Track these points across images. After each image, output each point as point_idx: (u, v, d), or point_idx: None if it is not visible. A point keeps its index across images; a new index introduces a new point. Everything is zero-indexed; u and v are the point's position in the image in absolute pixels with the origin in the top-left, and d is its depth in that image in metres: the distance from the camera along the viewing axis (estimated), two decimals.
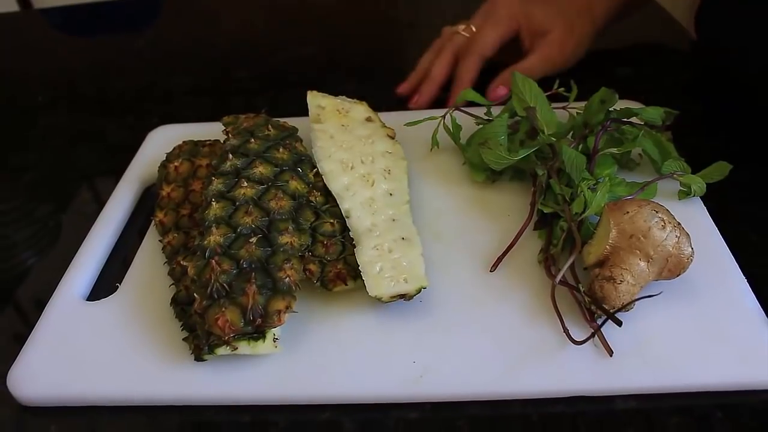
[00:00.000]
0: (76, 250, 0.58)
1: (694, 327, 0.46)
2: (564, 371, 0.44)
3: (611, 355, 0.44)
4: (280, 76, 0.89)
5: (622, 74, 0.80)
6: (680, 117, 0.60)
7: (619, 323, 0.44)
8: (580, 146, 0.57)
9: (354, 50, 0.95)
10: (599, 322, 0.45)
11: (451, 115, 0.63)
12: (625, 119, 0.58)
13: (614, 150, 0.56)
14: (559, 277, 0.47)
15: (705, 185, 0.56)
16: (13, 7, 1.68)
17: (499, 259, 0.52)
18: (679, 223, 0.47)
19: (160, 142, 0.69)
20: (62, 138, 0.81)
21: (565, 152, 0.54)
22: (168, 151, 0.63)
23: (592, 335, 0.45)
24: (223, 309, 0.45)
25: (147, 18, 1.14)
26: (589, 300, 0.46)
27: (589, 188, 0.52)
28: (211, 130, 0.66)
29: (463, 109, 0.64)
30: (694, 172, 0.57)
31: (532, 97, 0.60)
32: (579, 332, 0.46)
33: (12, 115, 0.88)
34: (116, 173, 0.67)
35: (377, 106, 0.67)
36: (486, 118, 0.63)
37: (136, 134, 0.73)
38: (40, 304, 0.54)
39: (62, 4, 1.18)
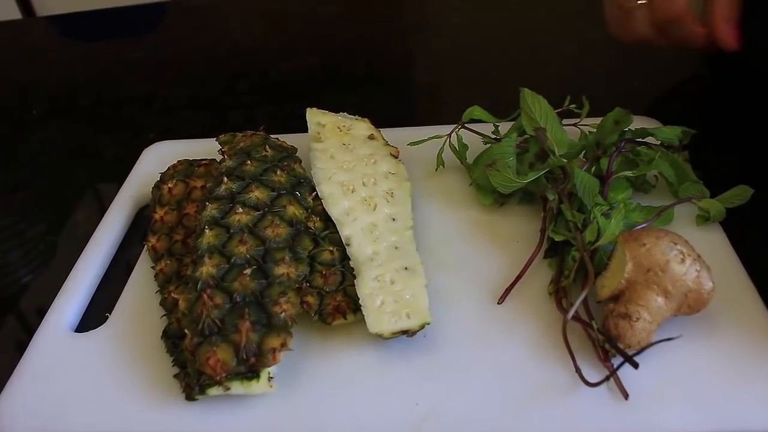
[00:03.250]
0: (67, 274, 0.56)
1: (715, 366, 0.43)
2: (576, 414, 0.42)
3: (626, 398, 0.42)
4: (280, 88, 0.86)
5: (635, 88, 0.77)
6: (696, 134, 0.58)
7: (636, 366, 0.41)
8: (593, 168, 0.54)
9: (357, 61, 0.93)
10: (614, 361, 0.43)
11: (457, 134, 0.61)
12: (640, 139, 0.55)
13: (629, 173, 0.53)
14: (571, 313, 0.44)
15: (725, 210, 0.53)
16: (16, 14, 1.67)
17: (507, 291, 0.49)
18: (699, 256, 0.44)
19: (156, 159, 0.67)
20: (58, 153, 0.79)
21: (578, 175, 0.51)
22: (162, 171, 0.61)
23: (607, 378, 0.42)
24: (215, 347, 0.43)
25: (150, 26, 1.12)
26: (602, 338, 0.44)
27: (602, 214, 0.50)
28: (207, 147, 0.64)
29: (469, 127, 0.61)
30: (712, 195, 0.54)
31: (542, 115, 0.57)
32: (592, 371, 0.43)
33: (6, 128, 0.85)
34: (112, 191, 0.65)
35: (381, 120, 0.64)
36: (494, 136, 0.60)
37: (133, 149, 0.71)
38: (27, 334, 0.52)
39: (65, 11, 1.16)
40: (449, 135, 0.61)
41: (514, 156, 0.55)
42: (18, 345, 0.53)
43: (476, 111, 0.61)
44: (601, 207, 0.51)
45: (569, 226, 0.50)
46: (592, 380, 0.42)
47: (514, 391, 0.43)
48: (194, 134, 0.72)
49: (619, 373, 0.42)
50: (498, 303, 0.49)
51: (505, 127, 0.61)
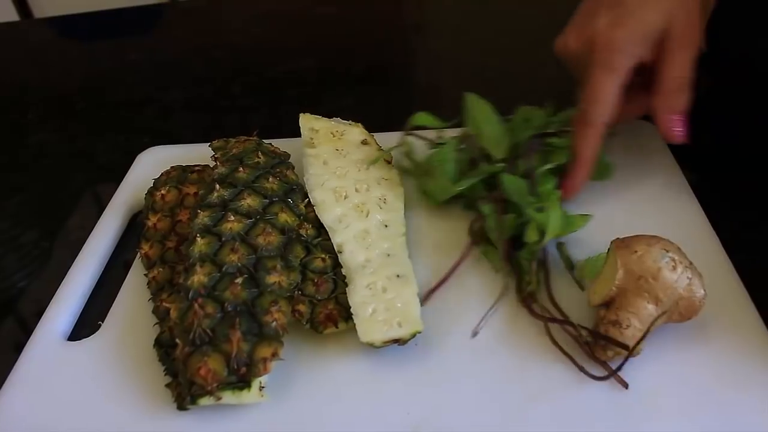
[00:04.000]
0: (62, 280, 0.56)
1: (709, 373, 0.43)
2: (569, 423, 0.41)
3: (626, 388, 0.42)
4: (276, 91, 0.86)
5: None
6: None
7: (628, 349, 0.42)
8: (520, 169, 0.54)
9: (354, 62, 0.92)
10: (612, 365, 0.43)
11: (405, 141, 0.60)
12: (548, 131, 0.56)
13: (549, 165, 0.54)
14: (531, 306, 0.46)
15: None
16: (14, 16, 1.66)
17: (430, 293, 0.49)
18: (691, 263, 0.44)
19: (149, 164, 0.67)
20: (54, 157, 0.79)
21: (504, 180, 0.51)
22: (156, 176, 0.60)
23: (607, 377, 0.42)
24: (206, 357, 0.42)
25: (147, 27, 1.12)
26: (586, 333, 0.44)
27: (536, 210, 0.50)
28: (202, 152, 0.63)
29: (415, 132, 0.61)
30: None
31: (483, 119, 0.56)
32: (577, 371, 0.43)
33: (3, 131, 0.85)
34: (108, 195, 0.65)
35: (379, 121, 0.64)
36: (438, 141, 0.60)
37: (129, 152, 0.71)
38: (21, 340, 0.52)
39: (62, 13, 1.16)
40: (399, 144, 0.60)
41: (454, 162, 0.55)
42: (11, 352, 0.53)
43: (422, 117, 0.60)
44: (533, 204, 0.51)
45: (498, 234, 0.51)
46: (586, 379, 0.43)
47: (506, 399, 0.43)
48: (190, 137, 0.72)
49: (614, 382, 0.43)
50: (421, 305, 0.48)
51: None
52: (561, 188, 0.54)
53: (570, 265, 0.50)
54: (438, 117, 0.60)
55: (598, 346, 0.44)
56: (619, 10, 0.52)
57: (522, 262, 0.49)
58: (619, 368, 0.42)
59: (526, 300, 0.48)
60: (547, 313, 0.46)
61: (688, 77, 0.52)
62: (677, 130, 0.52)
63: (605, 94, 0.51)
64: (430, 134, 0.61)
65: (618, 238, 0.46)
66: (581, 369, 0.43)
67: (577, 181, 0.54)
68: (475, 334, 0.46)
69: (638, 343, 0.42)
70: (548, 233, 0.49)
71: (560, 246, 0.52)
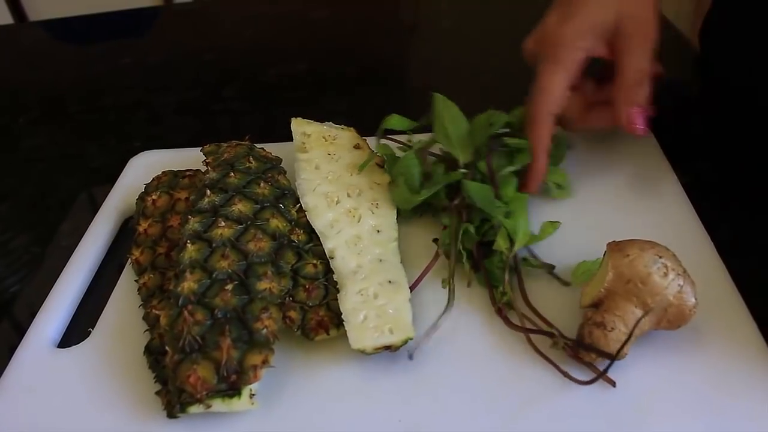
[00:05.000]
0: (52, 286, 0.55)
1: (704, 378, 0.43)
2: (564, 427, 0.41)
3: (614, 386, 0.42)
4: (269, 94, 0.86)
5: None
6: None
7: (611, 357, 0.42)
8: (481, 175, 0.54)
9: (348, 65, 0.92)
10: (600, 366, 0.43)
11: (377, 145, 0.59)
12: (503, 131, 0.56)
13: (511, 168, 0.54)
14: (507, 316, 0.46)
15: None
16: (8, 19, 1.66)
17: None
18: (685, 271, 0.43)
19: (141, 169, 0.67)
20: (45, 162, 0.78)
21: (470, 188, 0.51)
22: (148, 181, 0.60)
23: (592, 380, 0.42)
24: (196, 365, 0.42)
25: (141, 30, 1.11)
26: (564, 341, 0.44)
27: (504, 216, 0.50)
28: (193, 157, 0.63)
29: (389, 136, 0.60)
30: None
31: (450, 121, 0.55)
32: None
33: None
34: (100, 200, 0.65)
35: (374, 124, 0.63)
36: (409, 145, 0.60)
37: (121, 157, 0.70)
38: (14, 346, 0.51)
39: (57, 16, 1.15)
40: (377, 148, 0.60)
41: (418, 169, 0.55)
42: (5, 357, 0.52)
43: (393, 120, 0.60)
44: (501, 209, 0.51)
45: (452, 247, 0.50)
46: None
47: (499, 406, 0.43)
48: (182, 141, 0.71)
49: (605, 387, 0.42)
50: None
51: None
52: (524, 185, 0.55)
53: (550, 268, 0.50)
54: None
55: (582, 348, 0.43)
56: (567, 8, 0.55)
57: (494, 271, 0.49)
58: (605, 371, 0.42)
59: (501, 311, 0.47)
60: (525, 320, 0.46)
61: (647, 70, 0.53)
62: (637, 122, 0.53)
63: (551, 85, 0.54)
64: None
65: (614, 241, 0.46)
66: (565, 374, 0.43)
67: (535, 174, 0.55)
68: (411, 354, 0.45)
69: (622, 347, 0.42)
70: (517, 242, 0.49)
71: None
